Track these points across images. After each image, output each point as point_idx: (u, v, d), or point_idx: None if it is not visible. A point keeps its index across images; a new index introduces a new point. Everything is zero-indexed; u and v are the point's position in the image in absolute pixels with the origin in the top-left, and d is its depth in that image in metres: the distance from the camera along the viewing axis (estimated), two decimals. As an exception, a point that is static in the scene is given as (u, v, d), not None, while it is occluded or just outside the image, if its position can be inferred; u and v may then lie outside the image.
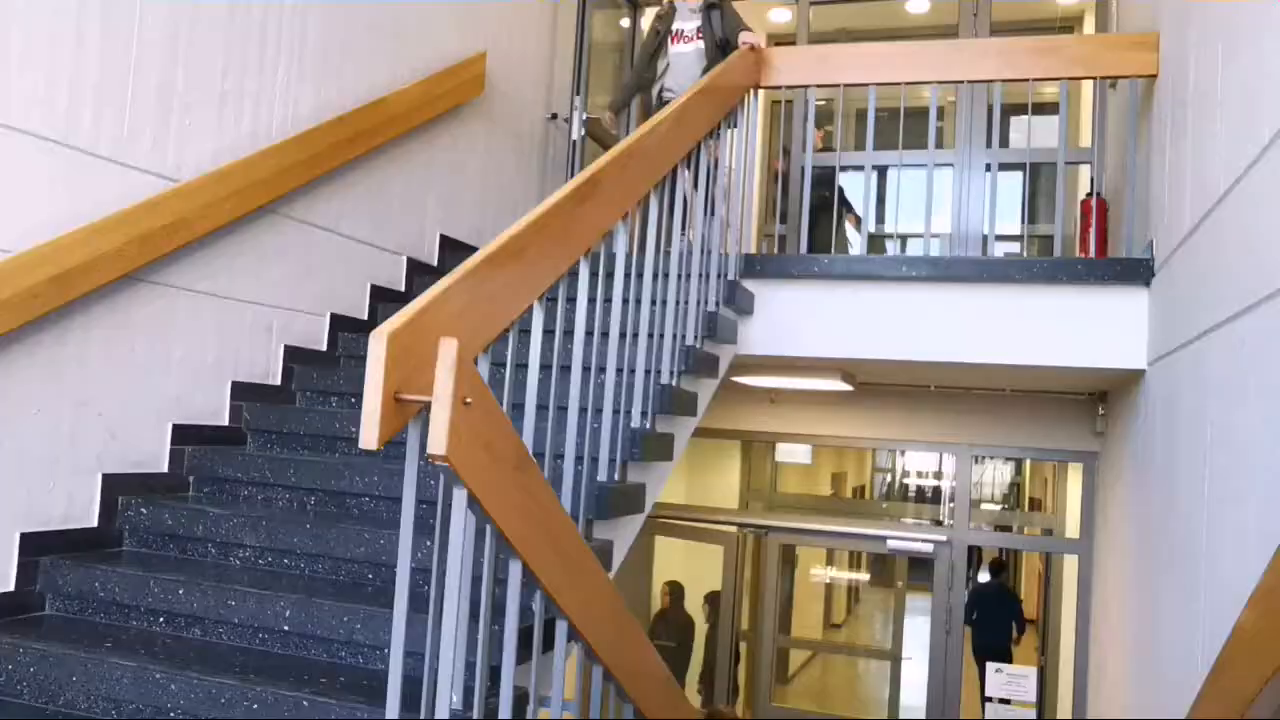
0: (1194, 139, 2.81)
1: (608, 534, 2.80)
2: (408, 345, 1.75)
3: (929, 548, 6.01)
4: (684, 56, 4.52)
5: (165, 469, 3.17)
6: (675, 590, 7.38)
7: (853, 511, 9.32)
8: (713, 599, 6.97)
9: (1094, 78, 4.04)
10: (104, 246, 2.84)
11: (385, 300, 4.12)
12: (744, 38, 4.11)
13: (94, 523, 2.93)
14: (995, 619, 7.43)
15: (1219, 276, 2.42)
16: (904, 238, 5.73)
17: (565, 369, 2.61)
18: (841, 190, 5.02)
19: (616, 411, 2.78)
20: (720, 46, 4.38)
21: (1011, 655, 7.51)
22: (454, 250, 4.60)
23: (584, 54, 5.77)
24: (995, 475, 10.80)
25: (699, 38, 4.45)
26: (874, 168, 4.30)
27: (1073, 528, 5.99)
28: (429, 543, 2.07)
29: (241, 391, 3.46)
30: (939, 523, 6.70)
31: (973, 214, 5.51)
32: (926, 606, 6.16)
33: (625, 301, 2.81)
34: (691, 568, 7.63)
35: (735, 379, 4.79)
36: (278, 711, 2.16)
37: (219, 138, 3.35)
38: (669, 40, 4.51)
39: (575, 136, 5.55)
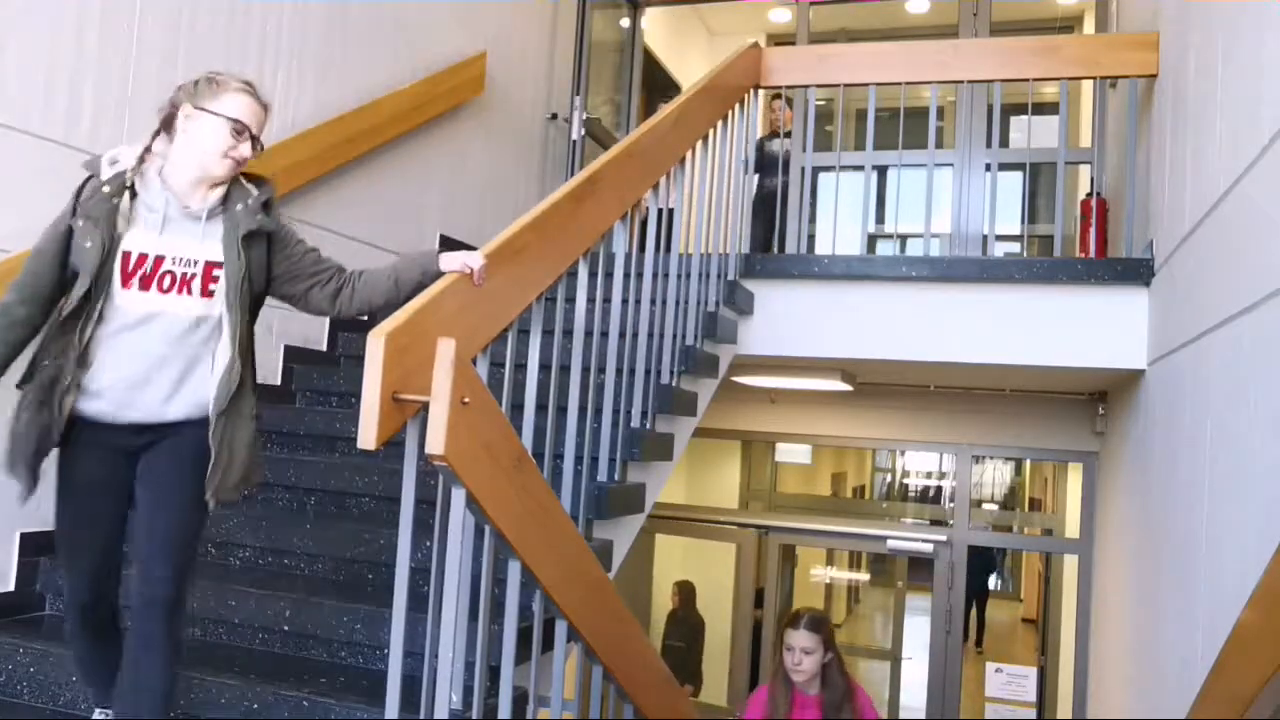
0: (1194, 139, 2.81)
1: (608, 534, 2.80)
2: (406, 345, 1.75)
3: (929, 548, 6.01)
4: (163, 323, 2.00)
5: (165, 469, 3.17)
6: (685, 590, 7.34)
7: (853, 511, 9.31)
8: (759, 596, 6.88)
9: (1094, 78, 4.04)
10: (104, 246, 2.83)
11: (385, 300, 4.12)
12: (458, 259, 2.08)
13: (94, 523, 2.92)
14: (978, 571, 9.20)
15: (1219, 276, 2.42)
16: (904, 238, 5.73)
17: (565, 369, 2.61)
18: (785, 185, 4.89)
19: (616, 411, 2.78)
20: (253, 302, 2.10)
21: (988, 591, 10.44)
22: (454, 250, 4.58)
23: (584, 54, 5.77)
24: (995, 475, 10.79)
25: (209, 287, 2.03)
26: (874, 168, 4.29)
27: (1073, 528, 5.98)
28: (429, 543, 2.07)
29: (241, 391, 3.45)
30: (939, 523, 6.69)
31: (973, 214, 5.51)
32: (926, 606, 6.16)
33: (625, 301, 2.81)
34: (692, 567, 7.63)
35: (735, 379, 4.79)
36: (277, 711, 2.17)
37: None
38: (115, 266, 1.98)
39: (575, 136, 5.55)
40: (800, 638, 3.21)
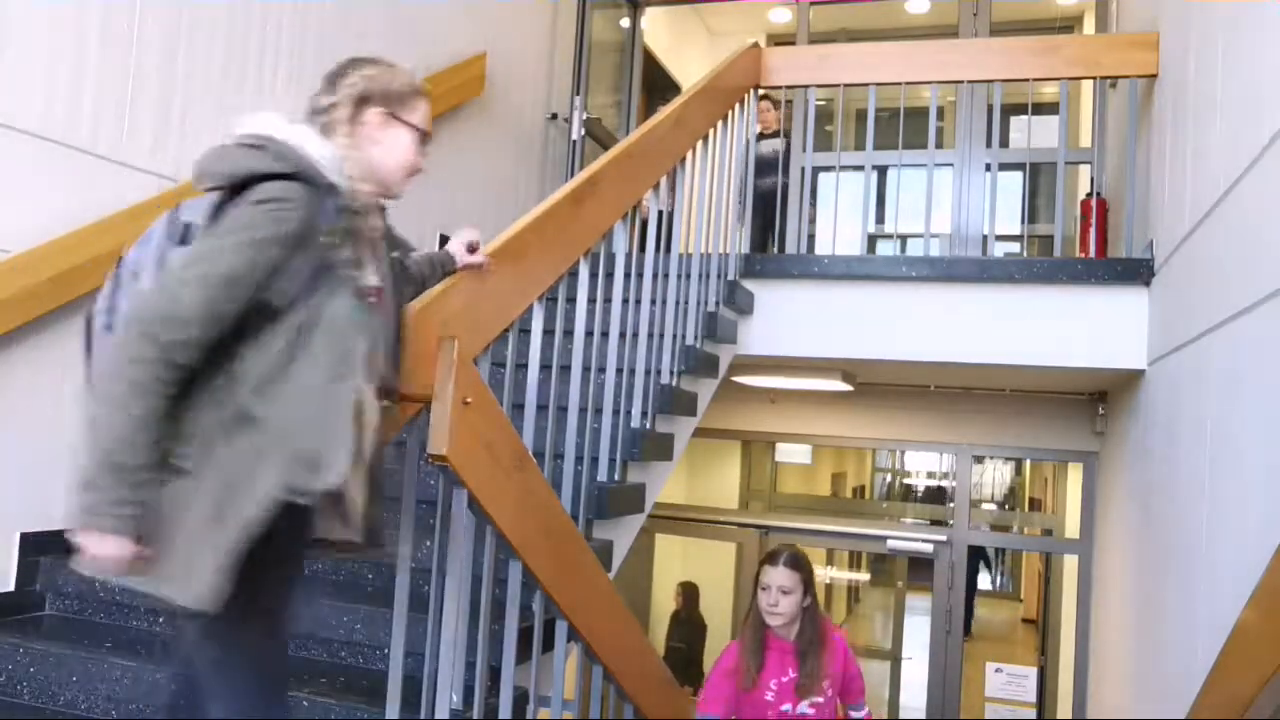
0: (1194, 139, 2.81)
1: (608, 534, 2.80)
2: (407, 345, 1.75)
3: (929, 548, 6.01)
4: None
5: (165, 469, 3.17)
6: (689, 591, 7.33)
7: (853, 511, 9.31)
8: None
9: (1094, 78, 4.04)
10: (104, 246, 2.83)
11: (385, 300, 4.11)
12: (466, 240, 2.14)
13: (94, 523, 2.92)
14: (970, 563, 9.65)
15: (1219, 276, 2.42)
16: (904, 238, 5.73)
17: (565, 369, 2.61)
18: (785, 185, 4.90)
19: (616, 411, 2.78)
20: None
21: (976, 589, 10.26)
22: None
23: (584, 54, 5.77)
24: (995, 475, 10.80)
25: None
26: (874, 168, 4.29)
27: (1073, 528, 5.98)
28: (429, 543, 2.07)
29: (241, 391, 3.45)
30: (939, 523, 6.69)
31: (973, 214, 5.51)
32: (926, 606, 6.16)
33: (625, 301, 2.81)
34: (692, 567, 7.63)
35: (735, 379, 4.79)
36: (278, 711, 2.16)
37: (219, 138, 3.34)
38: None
39: (575, 136, 5.55)
40: (779, 575, 2.85)
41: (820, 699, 2.89)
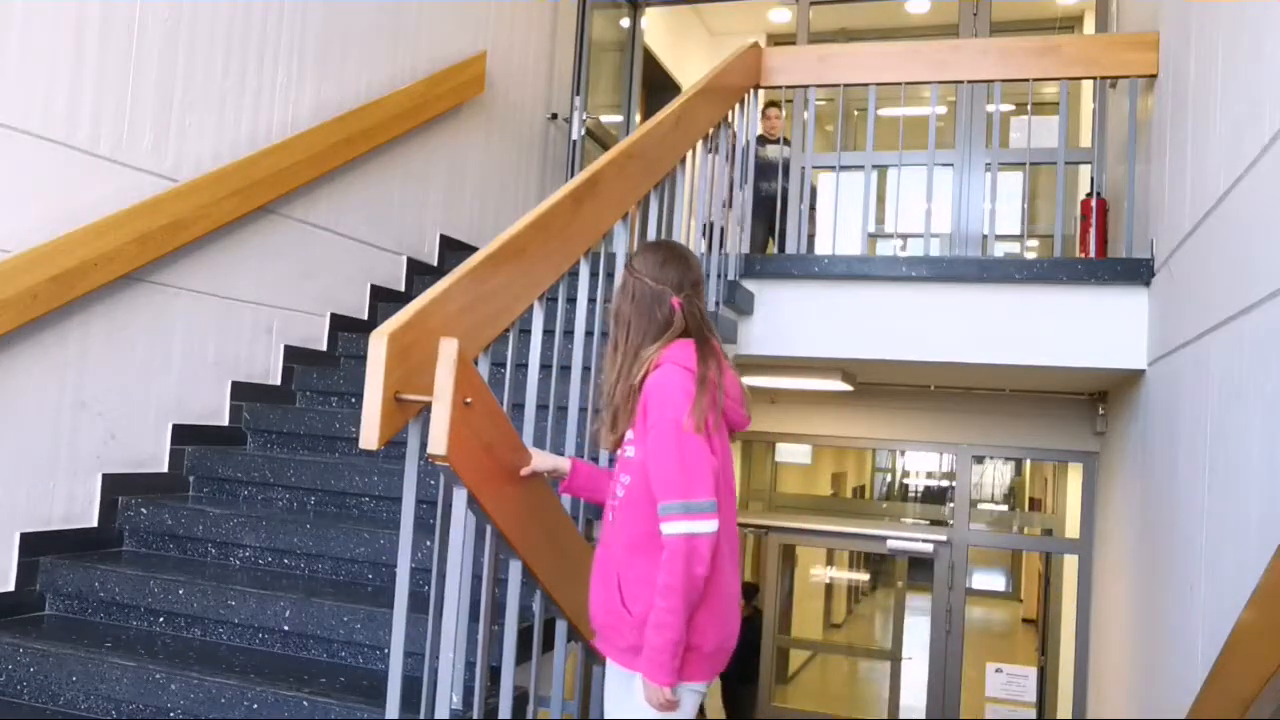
0: (1194, 139, 2.81)
1: (608, 534, 2.79)
2: (407, 345, 1.75)
3: (929, 548, 6.02)
4: None
5: (165, 469, 3.17)
6: None
7: (853, 511, 9.32)
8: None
9: (1094, 78, 4.04)
10: (104, 246, 2.84)
11: (385, 300, 4.12)
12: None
13: (94, 523, 2.92)
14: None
15: (1219, 276, 2.42)
16: (904, 238, 5.74)
17: (565, 369, 2.61)
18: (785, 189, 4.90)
19: (616, 411, 2.77)
20: None
21: None
22: (454, 250, 4.60)
23: (584, 54, 5.77)
24: (995, 475, 10.81)
25: None
26: (874, 167, 4.29)
27: (1073, 528, 5.99)
28: (429, 543, 2.07)
29: (241, 391, 3.46)
30: (939, 523, 6.69)
31: (973, 214, 5.51)
32: (926, 606, 6.17)
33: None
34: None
35: (735, 379, 4.79)
36: (278, 711, 2.16)
37: (219, 138, 3.34)
38: None
39: (575, 136, 5.55)
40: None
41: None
